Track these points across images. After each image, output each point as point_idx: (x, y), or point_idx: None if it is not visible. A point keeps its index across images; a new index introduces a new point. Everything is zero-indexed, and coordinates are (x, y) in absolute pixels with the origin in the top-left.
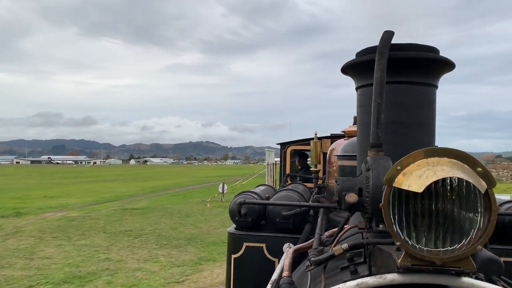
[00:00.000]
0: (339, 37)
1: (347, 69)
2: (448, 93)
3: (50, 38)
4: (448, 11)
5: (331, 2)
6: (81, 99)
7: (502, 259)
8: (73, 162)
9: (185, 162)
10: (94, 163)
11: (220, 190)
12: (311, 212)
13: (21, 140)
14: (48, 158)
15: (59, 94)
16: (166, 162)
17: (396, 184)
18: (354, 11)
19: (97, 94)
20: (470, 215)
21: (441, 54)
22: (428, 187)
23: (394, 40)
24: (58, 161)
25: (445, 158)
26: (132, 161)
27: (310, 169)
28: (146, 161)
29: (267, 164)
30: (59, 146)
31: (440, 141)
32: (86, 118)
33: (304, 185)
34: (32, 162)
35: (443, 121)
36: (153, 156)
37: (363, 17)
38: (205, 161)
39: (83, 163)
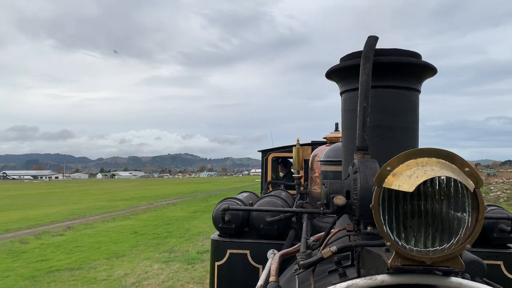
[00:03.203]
0: (315, 49)
1: (331, 74)
2: (425, 103)
3: (26, 50)
4: (424, 23)
5: (308, 16)
6: (57, 113)
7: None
8: (32, 177)
9: (156, 175)
10: (56, 177)
11: None
12: (294, 218)
13: None
14: (2, 173)
15: (35, 108)
16: (135, 175)
17: (386, 184)
18: (330, 24)
19: (74, 107)
20: (459, 214)
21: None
22: (417, 188)
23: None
24: (14, 177)
25: (433, 158)
26: (99, 175)
27: (293, 175)
28: (113, 175)
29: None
30: (32, 161)
31: None
32: (63, 132)
33: (286, 191)
34: None
35: (420, 130)
36: (125, 170)
37: (338, 30)
38: (180, 174)
39: (44, 178)
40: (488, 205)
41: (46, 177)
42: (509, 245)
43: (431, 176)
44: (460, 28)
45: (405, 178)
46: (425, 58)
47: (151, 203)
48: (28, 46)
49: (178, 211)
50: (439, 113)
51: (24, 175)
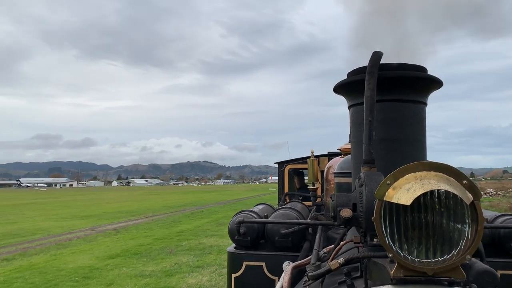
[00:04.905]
0: (336, 55)
1: (339, 89)
2: (446, 110)
3: (50, 61)
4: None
5: (329, 22)
6: (80, 121)
7: (499, 272)
8: (46, 185)
9: (171, 183)
10: (71, 185)
11: None
12: (310, 230)
13: (18, 163)
14: (17, 181)
15: (58, 116)
16: (151, 183)
17: (387, 198)
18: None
19: (96, 115)
20: (459, 226)
21: (438, 71)
22: (418, 200)
23: (392, 59)
24: (28, 184)
25: (432, 172)
26: (115, 183)
27: (308, 187)
28: (128, 182)
29: None
30: (55, 168)
31: (439, 158)
32: (85, 140)
33: (302, 203)
34: (0, 185)
35: (442, 138)
36: (142, 177)
37: (357, 37)
38: (197, 181)
39: (58, 185)
40: (504, 214)
41: (60, 185)
42: None
43: (428, 190)
44: (482, 32)
45: (404, 191)
46: (443, 64)
47: (100, 226)
48: (52, 56)
49: (99, 249)
50: (461, 120)
51: (38, 183)
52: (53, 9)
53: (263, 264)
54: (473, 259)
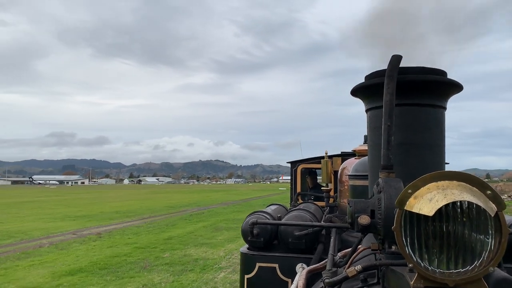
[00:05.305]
0: (350, 55)
1: (356, 92)
2: (460, 110)
3: (65, 59)
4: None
5: (342, 21)
6: (94, 119)
7: None
8: (57, 182)
9: (182, 182)
10: (82, 183)
11: None
12: (323, 231)
13: (33, 160)
14: (29, 178)
15: (73, 114)
16: (162, 181)
17: (408, 207)
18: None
19: (110, 114)
20: (481, 237)
21: (450, 72)
22: (439, 210)
23: (406, 61)
24: (40, 181)
25: (455, 182)
26: (126, 181)
27: (321, 188)
28: (140, 180)
29: None
30: (69, 166)
31: (454, 159)
32: (99, 138)
33: (315, 204)
34: (14, 182)
35: (456, 138)
36: (153, 175)
37: (372, 36)
38: (208, 180)
39: (70, 183)
40: None
41: (72, 182)
42: None
43: (451, 201)
44: (498, 32)
45: (426, 201)
46: (458, 63)
47: (86, 229)
48: (67, 55)
49: (63, 261)
50: (475, 120)
51: (50, 180)
52: (69, 8)
53: (276, 265)
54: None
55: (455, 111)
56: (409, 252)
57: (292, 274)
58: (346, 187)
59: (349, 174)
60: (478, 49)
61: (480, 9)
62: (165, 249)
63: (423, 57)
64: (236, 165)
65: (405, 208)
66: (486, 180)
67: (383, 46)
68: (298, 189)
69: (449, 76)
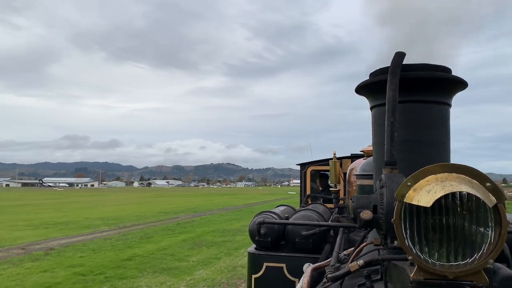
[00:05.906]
0: (363, 58)
1: (361, 90)
2: (474, 114)
3: (79, 63)
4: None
5: (355, 24)
6: (107, 122)
7: None
8: (67, 185)
9: (192, 185)
10: (92, 185)
11: None
12: (331, 232)
13: (46, 163)
14: (39, 180)
15: (86, 118)
16: (172, 184)
17: (407, 199)
18: (377, 32)
19: (123, 117)
20: (481, 229)
21: (467, 74)
22: (439, 202)
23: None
24: (50, 184)
25: (453, 174)
26: (136, 184)
27: (330, 189)
28: (149, 183)
29: None
30: (81, 169)
31: (468, 163)
32: (112, 141)
33: (324, 205)
34: (24, 184)
35: (471, 142)
36: (164, 178)
37: (386, 38)
38: (218, 183)
39: (80, 185)
40: None
41: (81, 185)
42: None
43: (449, 191)
44: None
45: (424, 193)
46: (472, 66)
47: (42, 242)
48: (81, 59)
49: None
50: (491, 124)
51: (60, 182)
52: (83, 12)
53: (284, 265)
54: (498, 264)
55: (470, 114)
56: (408, 244)
57: (299, 274)
58: (354, 187)
59: (356, 174)
60: (494, 51)
61: (498, 11)
62: (110, 278)
63: (438, 60)
64: (248, 168)
65: (404, 200)
66: (503, 185)
67: (400, 47)
68: (308, 191)
69: (467, 81)
